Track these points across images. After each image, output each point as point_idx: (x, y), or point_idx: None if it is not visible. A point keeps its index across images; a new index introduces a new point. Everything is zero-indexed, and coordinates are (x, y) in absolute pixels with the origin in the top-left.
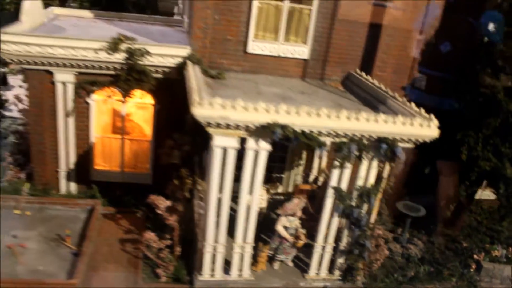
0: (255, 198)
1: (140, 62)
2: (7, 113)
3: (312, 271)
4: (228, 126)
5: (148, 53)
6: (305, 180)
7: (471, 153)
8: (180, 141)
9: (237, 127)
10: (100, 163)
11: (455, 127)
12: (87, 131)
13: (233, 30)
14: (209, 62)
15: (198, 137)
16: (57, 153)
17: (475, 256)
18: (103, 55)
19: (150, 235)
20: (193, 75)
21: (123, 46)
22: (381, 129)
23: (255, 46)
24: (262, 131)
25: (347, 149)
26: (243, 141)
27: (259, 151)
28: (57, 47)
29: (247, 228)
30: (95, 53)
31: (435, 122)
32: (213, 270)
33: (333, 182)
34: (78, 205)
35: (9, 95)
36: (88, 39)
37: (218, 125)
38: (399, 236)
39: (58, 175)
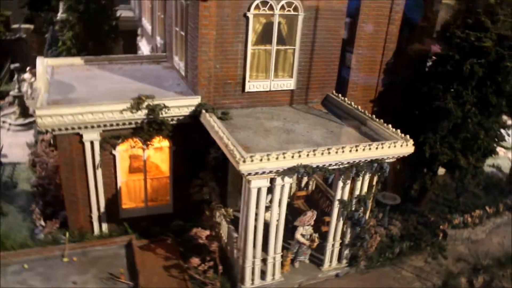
0: (282, 218)
1: (160, 116)
2: (3, 160)
3: (326, 264)
4: (263, 173)
5: (166, 107)
6: (299, 186)
7: (432, 150)
8: (205, 179)
9: (270, 172)
10: (126, 202)
11: (418, 131)
12: (113, 178)
13: (232, 75)
14: (214, 104)
15: (220, 172)
16: (89, 200)
17: (441, 226)
18: (127, 114)
19: (195, 260)
20: (216, 126)
21: (144, 104)
22: (374, 154)
23: (251, 85)
24: (288, 171)
25: (349, 172)
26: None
27: (285, 184)
28: (87, 113)
29: (276, 242)
30: (120, 114)
31: (411, 141)
32: (252, 279)
33: (338, 195)
34: (115, 242)
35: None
36: (113, 102)
37: (256, 173)
38: (381, 220)
39: (91, 219)
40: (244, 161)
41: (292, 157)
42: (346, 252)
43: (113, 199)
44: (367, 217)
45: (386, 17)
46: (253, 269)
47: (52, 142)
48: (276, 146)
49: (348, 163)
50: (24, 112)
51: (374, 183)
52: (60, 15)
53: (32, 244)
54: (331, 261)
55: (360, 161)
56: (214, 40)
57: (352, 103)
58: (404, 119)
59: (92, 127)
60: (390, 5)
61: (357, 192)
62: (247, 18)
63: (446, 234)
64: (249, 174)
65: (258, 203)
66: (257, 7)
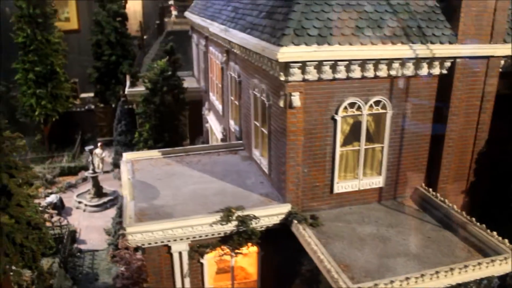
0: None
1: (250, 226)
2: (82, 247)
3: None
4: None
5: (256, 217)
6: None
7: None
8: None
9: None
10: None
11: None
12: (201, 284)
13: (320, 177)
14: (302, 207)
15: (315, 284)
16: None
17: None
18: (217, 227)
19: None
20: (313, 243)
21: (234, 216)
22: (484, 272)
23: (339, 186)
24: None
25: None
26: None
27: None
28: (177, 228)
29: None
30: (210, 226)
31: None
32: None
33: None
34: None
35: (72, 220)
36: (202, 216)
37: None
38: None
39: None
40: None
41: (400, 285)
42: None
43: None
44: None
45: (477, 107)
46: None
47: None
48: (375, 263)
49: (457, 283)
50: (99, 192)
51: None
52: (128, 89)
53: None
54: None
55: (470, 280)
56: (302, 145)
57: (446, 200)
58: (499, 212)
59: (181, 239)
60: (481, 95)
61: None
62: (335, 121)
63: None
64: None
65: None
66: (345, 109)
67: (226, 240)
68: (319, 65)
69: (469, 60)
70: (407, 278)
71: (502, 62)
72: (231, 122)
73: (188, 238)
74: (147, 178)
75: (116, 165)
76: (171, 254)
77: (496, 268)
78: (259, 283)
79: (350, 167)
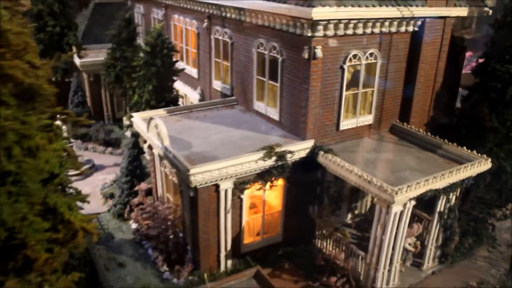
0: (405, 233)
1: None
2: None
3: (425, 265)
4: (403, 200)
5: (291, 152)
6: None
7: None
8: (326, 211)
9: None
10: (247, 238)
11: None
12: (239, 218)
13: (330, 117)
14: (317, 143)
15: (340, 202)
16: (218, 242)
17: (489, 220)
18: (261, 163)
19: (333, 279)
20: (347, 165)
21: (275, 151)
22: (469, 173)
23: (344, 124)
24: (416, 196)
25: (450, 189)
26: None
27: (410, 207)
28: (230, 166)
29: (399, 253)
30: (255, 163)
31: (489, 160)
32: (381, 285)
33: (438, 209)
34: (246, 275)
35: None
36: (251, 153)
37: (397, 202)
38: None
39: (218, 258)
40: (396, 193)
41: (424, 185)
42: (438, 252)
43: (237, 237)
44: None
45: (436, 56)
46: (383, 277)
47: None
48: (392, 176)
49: (449, 184)
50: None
51: (458, 194)
52: (80, 60)
53: None
54: (428, 262)
55: (459, 180)
56: (319, 91)
57: (421, 130)
58: (453, 137)
59: (231, 177)
60: (439, 47)
61: (450, 203)
62: (342, 70)
63: (495, 226)
64: (394, 202)
65: (393, 225)
66: (350, 60)
67: (262, 175)
68: (337, 23)
69: (434, 19)
70: (426, 180)
71: (453, 21)
72: (216, 83)
73: (236, 176)
74: (170, 133)
75: (76, 136)
76: (218, 193)
77: (474, 169)
78: (284, 212)
79: (350, 108)
